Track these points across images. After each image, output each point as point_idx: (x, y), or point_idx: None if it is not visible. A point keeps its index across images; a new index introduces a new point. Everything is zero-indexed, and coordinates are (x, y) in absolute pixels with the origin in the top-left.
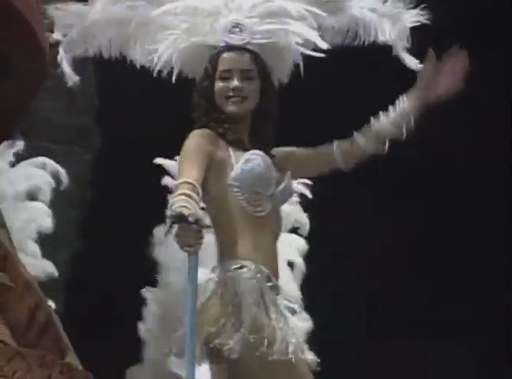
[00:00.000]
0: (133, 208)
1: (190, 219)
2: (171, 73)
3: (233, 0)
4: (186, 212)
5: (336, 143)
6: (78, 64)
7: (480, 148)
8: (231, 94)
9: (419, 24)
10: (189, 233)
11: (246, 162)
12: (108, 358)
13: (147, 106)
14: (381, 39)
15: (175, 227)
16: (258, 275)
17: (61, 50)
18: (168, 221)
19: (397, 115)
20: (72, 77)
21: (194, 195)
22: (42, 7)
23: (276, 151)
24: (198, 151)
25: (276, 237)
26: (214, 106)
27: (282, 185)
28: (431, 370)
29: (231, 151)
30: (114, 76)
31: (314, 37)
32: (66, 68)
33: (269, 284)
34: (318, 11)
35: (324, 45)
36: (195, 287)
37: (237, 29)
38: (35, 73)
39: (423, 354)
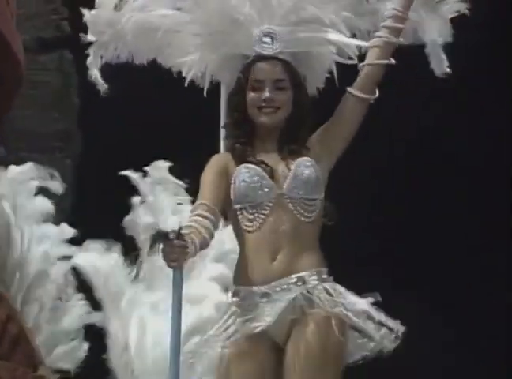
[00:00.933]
0: (116, 214)
1: (171, 235)
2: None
3: (266, 8)
4: (168, 229)
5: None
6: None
7: (480, 147)
8: (263, 104)
9: (458, 14)
10: (172, 249)
11: (234, 182)
12: None
13: (131, 108)
14: (420, 38)
15: (159, 245)
16: (249, 298)
17: (91, 56)
18: (151, 239)
19: (391, 22)
20: (101, 84)
21: (206, 213)
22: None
23: (311, 142)
24: (211, 172)
25: (296, 234)
26: (246, 117)
27: (287, 181)
28: (431, 370)
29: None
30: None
31: (349, 42)
32: (96, 74)
33: (265, 300)
34: (352, 16)
35: (362, 43)
36: (180, 304)
37: (268, 38)
38: (13, 83)
39: (423, 354)
